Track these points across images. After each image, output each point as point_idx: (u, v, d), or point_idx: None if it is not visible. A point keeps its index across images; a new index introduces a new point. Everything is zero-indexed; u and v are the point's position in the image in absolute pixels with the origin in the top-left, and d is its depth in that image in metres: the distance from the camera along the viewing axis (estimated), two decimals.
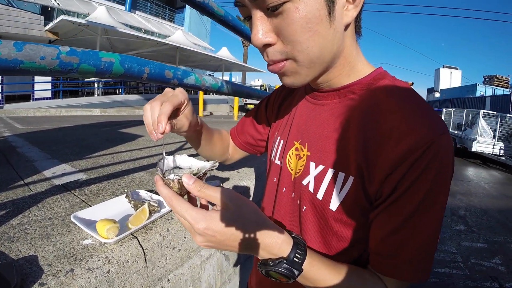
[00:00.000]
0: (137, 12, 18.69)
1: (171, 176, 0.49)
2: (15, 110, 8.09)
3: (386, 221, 0.49)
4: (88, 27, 11.32)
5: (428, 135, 0.46)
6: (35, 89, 10.33)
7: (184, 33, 16.70)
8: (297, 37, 0.47)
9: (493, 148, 10.85)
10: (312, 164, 0.58)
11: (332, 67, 0.55)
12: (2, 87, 9.42)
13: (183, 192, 0.49)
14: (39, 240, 0.95)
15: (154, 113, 0.54)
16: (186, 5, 21.33)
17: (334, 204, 0.53)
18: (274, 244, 0.47)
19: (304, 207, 0.58)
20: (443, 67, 32.04)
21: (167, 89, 0.59)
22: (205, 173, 0.52)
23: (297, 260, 0.47)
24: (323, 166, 0.56)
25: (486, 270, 3.19)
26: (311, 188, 0.57)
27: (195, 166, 0.55)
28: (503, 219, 4.78)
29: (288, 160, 0.64)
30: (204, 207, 0.53)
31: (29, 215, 1.14)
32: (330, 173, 0.54)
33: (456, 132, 12.61)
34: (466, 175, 8.46)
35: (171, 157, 0.56)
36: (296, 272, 0.47)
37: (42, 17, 10.52)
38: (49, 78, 10.59)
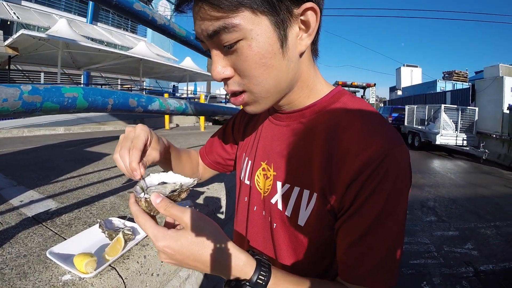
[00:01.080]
0: (99, 24, 18.31)
1: (142, 195, 0.50)
2: None
3: (347, 232, 0.51)
4: (48, 41, 10.89)
5: (384, 147, 0.49)
6: None
7: (147, 44, 16.46)
8: (252, 72, 0.50)
9: (456, 139, 11.46)
10: (279, 184, 0.61)
11: (291, 92, 0.58)
12: None
13: (153, 210, 0.50)
14: (17, 280, 0.93)
15: (126, 162, 0.55)
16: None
17: (302, 220, 0.56)
18: (235, 266, 0.48)
19: (275, 224, 0.61)
20: (403, 66, 33.23)
21: (128, 129, 0.59)
22: (186, 190, 0.54)
23: (261, 282, 0.48)
24: (289, 185, 0.58)
25: (460, 256, 3.34)
26: (279, 206, 0.60)
27: (178, 182, 0.56)
28: (471, 207, 5.02)
29: (257, 180, 0.67)
30: (169, 225, 0.55)
31: (3, 254, 1.10)
32: (296, 191, 0.57)
33: (419, 127, 13.19)
34: (432, 168, 8.83)
35: (156, 174, 0.57)
36: None
37: (1, 32, 10.12)
38: None
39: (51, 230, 1.30)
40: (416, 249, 3.44)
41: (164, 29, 1.19)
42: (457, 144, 11.42)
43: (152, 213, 0.51)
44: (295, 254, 0.59)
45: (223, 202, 1.79)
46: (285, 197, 0.59)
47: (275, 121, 0.67)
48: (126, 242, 1.06)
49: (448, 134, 11.47)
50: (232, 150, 0.86)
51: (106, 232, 1.12)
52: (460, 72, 25.78)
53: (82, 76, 16.83)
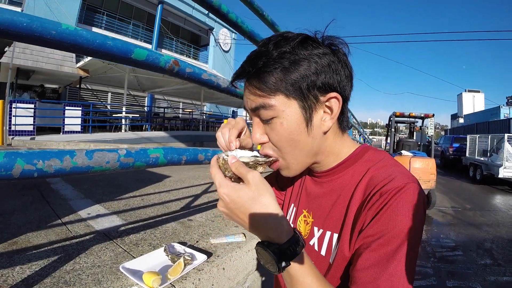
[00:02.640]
0: (163, 50, 19.41)
1: (222, 155, 0.60)
2: (46, 142, 8.40)
3: (358, 260, 0.56)
4: (116, 65, 11.92)
5: (400, 182, 0.57)
6: (65, 122, 10.68)
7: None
8: (282, 144, 0.64)
9: None
10: (315, 229, 0.72)
11: (318, 159, 0.70)
12: (34, 118, 9.73)
13: (228, 168, 0.58)
14: (93, 285, 1.15)
15: (225, 137, 0.65)
16: (210, 43, 21.92)
17: (332, 258, 0.65)
18: (275, 229, 0.53)
19: (313, 261, 0.71)
20: (465, 91, 31.46)
21: (230, 119, 0.71)
22: (262, 163, 0.63)
23: (289, 253, 0.52)
24: (322, 230, 0.70)
25: None
26: (316, 247, 0.70)
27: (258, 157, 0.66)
28: None
29: (299, 224, 0.80)
30: None
31: (80, 262, 1.34)
32: (328, 234, 0.68)
33: (482, 158, 12.27)
34: (493, 204, 8.19)
35: (243, 151, 0.66)
36: (283, 264, 0.52)
37: (74, 55, 11.16)
38: (79, 113, 11.01)
39: (121, 247, 1.54)
40: None
41: (228, 92, 1.37)
42: None
43: (226, 173, 0.58)
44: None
45: None
46: (320, 240, 0.70)
47: (313, 177, 0.80)
48: (185, 265, 1.26)
49: None
50: (279, 195, 0.97)
51: (169, 256, 1.33)
52: None
53: (146, 98, 18.03)
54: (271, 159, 0.65)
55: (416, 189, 0.57)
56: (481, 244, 4.78)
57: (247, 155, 0.64)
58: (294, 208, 0.84)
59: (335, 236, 0.66)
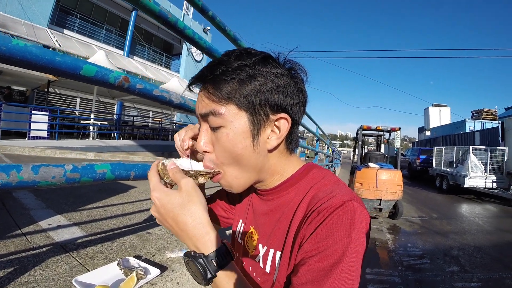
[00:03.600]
0: (135, 57, 19.20)
1: (164, 160, 0.61)
2: (10, 147, 8.10)
3: (295, 277, 0.54)
4: None
5: (340, 199, 0.56)
6: (31, 127, 10.38)
7: (180, 80, 17.08)
8: (225, 155, 0.62)
9: (485, 182, 11.05)
10: (260, 246, 0.72)
11: (262, 177, 0.68)
12: None
13: (166, 174, 0.60)
14: None
15: (181, 137, 0.69)
16: (182, 52, 21.78)
17: (275, 275, 0.64)
18: (202, 238, 0.54)
19: (259, 278, 0.71)
20: (432, 105, 32.81)
21: (190, 124, 0.73)
22: (204, 174, 0.63)
23: (214, 264, 0.53)
24: (266, 247, 0.69)
25: None
26: (261, 264, 0.70)
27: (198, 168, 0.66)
28: (497, 255, 4.78)
29: (246, 240, 0.78)
30: None
31: (35, 274, 1.28)
32: (271, 252, 0.67)
33: (448, 169, 12.82)
34: (459, 213, 8.51)
35: (188, 160, 0.68)
36: (209, 274, 0.52)
37: None
38: (45, 118, 10.68)
39: (77, 260, 1.47)
40: None
41: (180, 107, 1.38)
42: (486, 187, 11.00)
43: (165, 178, 0.60)
44: None
45: None
46: (265, 257, 0.69)
47: (258, 194, 0.78)
48: (138, 280, 1.21)
49: (477, 177, 11.08)
50: (230, 210, 0.94)
51: (123, 270, 1.28)
52: (489, 110, 25.14)
53: (116, 105, 17.51)
54: (213, 171, 0.64)
55: (355, 206, 0.56)
56: (448, 252, 4.90)
57: (193, 165, 0.65)
58: (242, 224, 0.82)
59: (278, 253, 0.66)
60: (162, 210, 0.56)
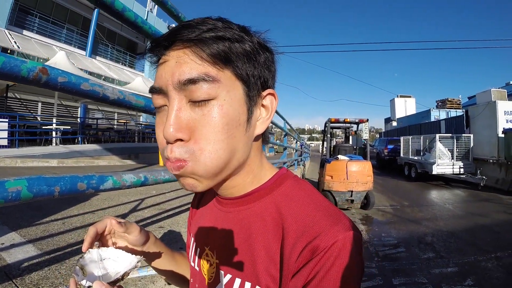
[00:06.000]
0: (97, 57, 18.61)
1: (84, 282, 0.46)
2: None
3: None
4: None
5: (332, 235, 0.44)
6: None
7: (144, 79, 16.71)
8: (212, 136, 0.45)
9: (452, 168, 11.53)
10: (222, 273, 0.55)
11: (236, 175, 0.54)
12: None
13: None
14: None
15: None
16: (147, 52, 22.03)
17: None
18: None
19: None
20: (397, 97, 33.63)
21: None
22: (129, 273, 0.51)
23: None
24: (231, 275, 0.53)
25: None
26: None
27: (121, 261, 0.53)
28: (471, 238, 4.89)
29: (202, 265, 0.61)
30: None
31: None
32: (237, 282, 0.52)
33: (415, 158, 13.26)
34: (430, 199, 8.77)
35: (95, 250, 0.53)
36: None
37: None
38: (5, 125, 10.16)
39: None
40: None
41: (119, 103, 1.14)
42: (454, 173, 11.47)
43: None
44: None
45: None
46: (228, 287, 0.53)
47: (218, 205, 0.61)
48: None
49: (445, 163, 11.53)
50: None
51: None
52: (453, 99, 26.19)
53: (79, 108, 16.82)
54: (138, 264, 0.52)
55: (352, 240, 0.45)
56: (422, 239, 4.96)
57: (114, 255, 0.53)
58: (195, 243, 0.65)
59: (248, 284, 0.51)
60: None
